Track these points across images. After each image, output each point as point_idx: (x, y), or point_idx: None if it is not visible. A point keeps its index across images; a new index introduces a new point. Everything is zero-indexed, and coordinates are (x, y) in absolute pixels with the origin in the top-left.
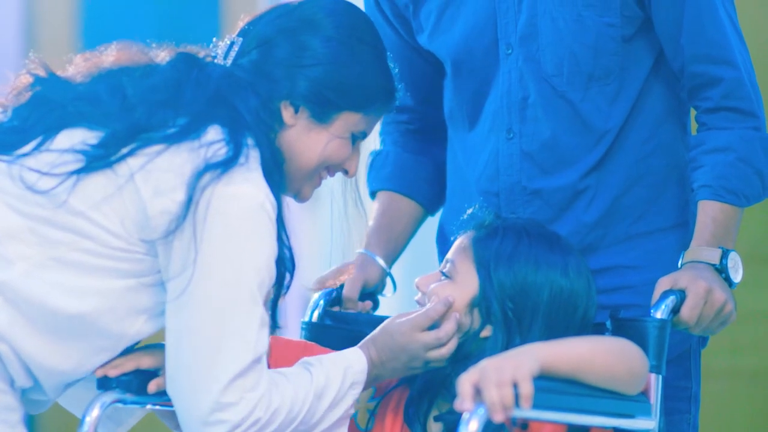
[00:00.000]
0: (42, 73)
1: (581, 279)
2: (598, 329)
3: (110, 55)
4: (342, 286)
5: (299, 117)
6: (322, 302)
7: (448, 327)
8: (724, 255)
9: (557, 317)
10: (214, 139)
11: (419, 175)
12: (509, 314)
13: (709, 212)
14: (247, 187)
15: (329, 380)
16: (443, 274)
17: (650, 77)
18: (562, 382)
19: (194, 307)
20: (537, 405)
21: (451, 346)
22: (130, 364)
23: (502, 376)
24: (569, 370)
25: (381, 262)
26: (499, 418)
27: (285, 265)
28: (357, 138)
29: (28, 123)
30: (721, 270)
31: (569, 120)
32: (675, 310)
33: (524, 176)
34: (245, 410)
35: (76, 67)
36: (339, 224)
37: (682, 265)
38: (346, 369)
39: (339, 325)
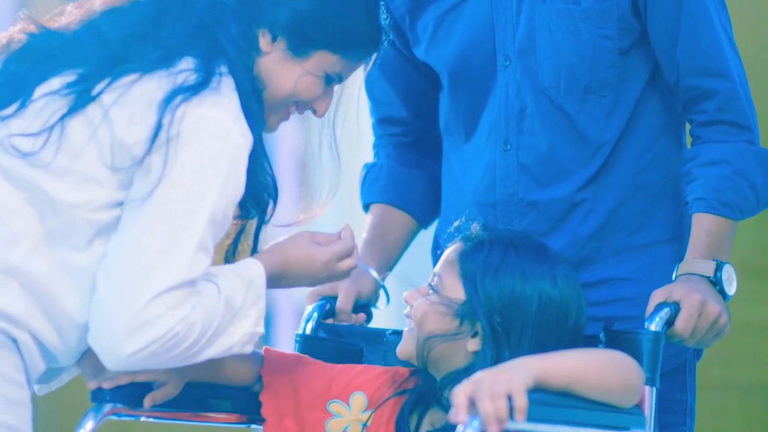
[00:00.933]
0: (33, 29)
1: (570, 288)
2: (592, 341)
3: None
4: (335, 298)
5: (276, 47)
6: (315, 314)
7: (346, 233)
8: (719, 267)
9: (548, 328)
10: (185, 67)
11: (413, 188)
12: (497, 328)
13: (703, 225)
14: (216, 111)
15: (235, 291)
16: (431, 287)
17: (646, 90)
18: (556, 395)
19: (147, 216)
20: (531, 417)
21: (356, 258)
22: (125, 378)
23: (496, 389)
24: (563, 382)
25: (374, 274)
26: (493, 430)
27: (268, 191)
28: (332, 80)
29: (17, 76)
30: (716, 282)
31: (566, 132)
32: (669, 323)
33: (521, 188)
34: (168, 325)
35: (68, 17)
36: (312, 167)
37: (676, 277)
38: (250, 281)
39: (333, 337)
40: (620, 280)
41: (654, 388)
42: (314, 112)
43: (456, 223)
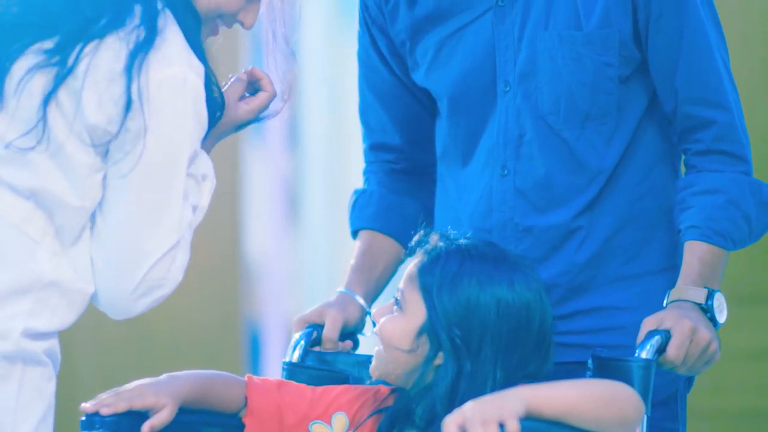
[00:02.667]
0: None
1: (530, 291)
2: (580, 368)
3: None
4: (322, 325)
5: None
6: (302, 342)
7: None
8: (710, 295)
9: (509, 334)
10: (133, 24)
11: (403, 216)
12: (457, 341)
13: (696, 252)
14: (171, 70)
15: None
16: (396, 303)
17: (644, 119)
18: (548, 423)
19: (132, 186)
20: None
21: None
22: (122, 405)
23: (487, 415)
24: (556, 413)
25: (361, 301)
26: None
27: (217, 106)
28: None
29: None
30: (707, 310)
31: (564, 158)
32: (660, 350)
33: (517, 213)
34: (173, 282)
35: None
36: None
37: (667, 304)
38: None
39: (320, 365)
40: (614, 309)
41: (645, 416)
42: (242, 25)
43: (416, 237)
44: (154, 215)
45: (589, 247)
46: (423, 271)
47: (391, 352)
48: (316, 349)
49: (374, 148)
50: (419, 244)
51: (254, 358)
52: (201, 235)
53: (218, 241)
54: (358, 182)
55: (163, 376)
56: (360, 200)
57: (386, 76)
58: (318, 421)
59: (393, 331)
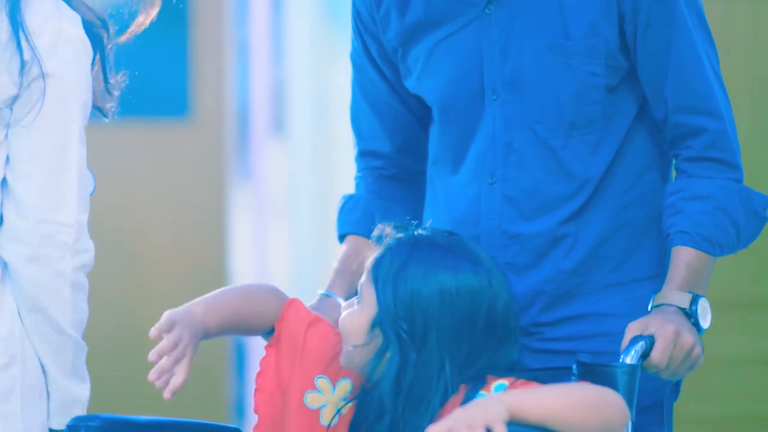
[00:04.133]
0: None
1: (477, 277)
2: (564, 374)
3: None
4: None
5: None
6: None
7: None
8: (694, 300)
9: (455, 322)
10: None
11: (389, 222)
12: (402, 334)
13: (683, 257)
14: (52, 24)
15: None
16: (357, 299)
17: (634, 126)
18: (533, 429)
19: (37, 139)
20: None
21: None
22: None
23: (473, 421)
24: (540, 419)
25: (343, 304)
26: None
27: (103, 27)
28: None
29: None
30: (690, 315)
31: (551, 167)
32: (644, 355)
33: (504, 220)
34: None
35: None
36: None
37: (652, 308)
38: None
39: None
40: (601, 316)
41: (630, 422)
42: None
43: (376, 231)
44: (58, 160)
45: (576, 254)
46: (375, 264)
47: (348, 345)
48: None
49: (364, 155)
50: (378, 238)
51: (239, 360)
52: (187, 237)
53: (204, 244)
54: (345, 182)
55: (195, 306)
56: (347, 205)
57: (378, 83)
58: (325, 376)
59: (350, 324)
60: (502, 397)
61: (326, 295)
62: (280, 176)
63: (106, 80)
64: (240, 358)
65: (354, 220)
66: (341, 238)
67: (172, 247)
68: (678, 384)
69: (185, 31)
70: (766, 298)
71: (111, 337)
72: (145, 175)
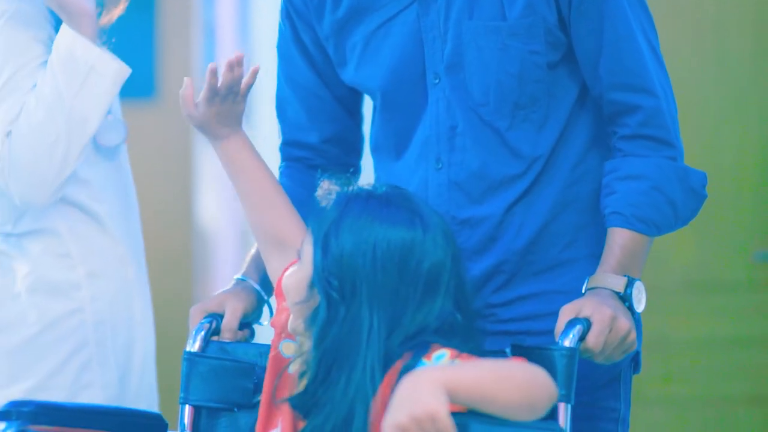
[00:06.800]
0: None
1: (412, 228)
2: (499, 356)
3: None
4: (221, 315)
5: None
6: (203, 332)
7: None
8: (629, 284)
9: (386, 276)
10: None
11: (309, 210)
12: (332, 292)
13: (618, 239)
14: None
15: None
16: (299, 256)
17: (578, 103)
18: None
19: None
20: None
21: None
22: None
23: (424, 425)
24: (468, 401)
25: (259, 289)
26: None
27: None
28: None
29: None
30: (625, 299)
31: (497, 149)
32: (580, 339)
33: (453, 206)
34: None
35: None
36: None
37: (586, 290)
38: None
39: (222, 355)
40: (553, 293)
41: (569, 405)
42: None
43: (320, 191)
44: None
45: (526, 233)
46: (312, 219)
47: (291, 305)
48: (215, 338)
49: (289, 145)
50: (323, 195)
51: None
52: (154, 217)
53: (171, 224)
54: None
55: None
56: None
57: (306, 73)
58: (290, 340)
59: (290, 283)
60: (439, 375)
61: (241, 280)
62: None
63: None
64: None
65: None
66: None
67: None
68: (638, 357)
69: (152, 12)
70: (731, 280)
71: None
72: None
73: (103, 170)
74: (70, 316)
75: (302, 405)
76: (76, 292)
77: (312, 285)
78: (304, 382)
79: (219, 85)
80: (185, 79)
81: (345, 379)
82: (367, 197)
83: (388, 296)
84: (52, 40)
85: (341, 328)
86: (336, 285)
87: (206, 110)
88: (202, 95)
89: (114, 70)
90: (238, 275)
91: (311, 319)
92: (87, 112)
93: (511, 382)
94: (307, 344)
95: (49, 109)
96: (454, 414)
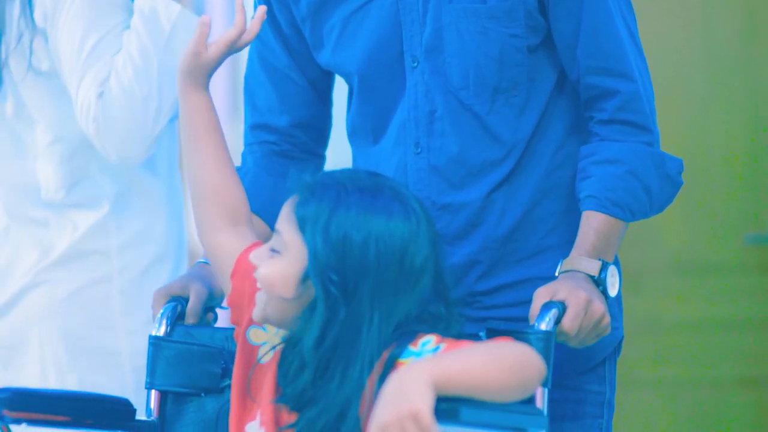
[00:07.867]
0: None
1: (408, 219)
2: (473, 340)
3: None
4: (186, 299)
5: None
6: (167, 317)
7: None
8: (604, 268)
9: (387, 272)
10: None
11: (274, 198)
12: (331, 288)
13: (592, 223)
14: None
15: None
16: (272, 249)
17: (557, 88)
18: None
19: None
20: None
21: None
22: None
23: (405, 424)
24: (461, 390)
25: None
26: None
27: None
28: None
29: None
30: (599, 282)
31: (477, 133)
32: (556, 321)
33: (433, 191)
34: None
35: None
36: None
37: (559, 273)
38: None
39: (185, 339)
40: (538, 280)
41: (546, 389)
42: None
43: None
44: None
45: (508, 220)
46: (299, 209)
47: (275, 300)
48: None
49: (257, 128)
50: (296, 181)
51: None
52: None
53: None
54: None
55: None
56: None
57: (280, 55)
58: (257, 326)
59: (275, 277)
60: (427, 372)
61: (204, 263)
62: (236, 132)
63: None
64: None
65: None
66: None
67: None
68: (620, 342)
69: None
70: (720, 262)
71: None
72: None
73: (166, 142)
74: (95, 285)
75: (296, 401)
76: (107, 262)
77: (304, 279)
78: (301, 379)
79: (236, 22)
80: (203, 16)
81: (341, 374)
82: (357, 189)
83: (388, 291)
84: (129, 5)
85: (342, 328)
86: (336, 280)
87: (217, 55)
88: (220, 38)
89: (195, 24)
90: (201, 258)
91: (306, 317)
92: (174, 67)
93: (501, 363)
94: (282, 333)
95: (138, 67)
96: (444, 398)
